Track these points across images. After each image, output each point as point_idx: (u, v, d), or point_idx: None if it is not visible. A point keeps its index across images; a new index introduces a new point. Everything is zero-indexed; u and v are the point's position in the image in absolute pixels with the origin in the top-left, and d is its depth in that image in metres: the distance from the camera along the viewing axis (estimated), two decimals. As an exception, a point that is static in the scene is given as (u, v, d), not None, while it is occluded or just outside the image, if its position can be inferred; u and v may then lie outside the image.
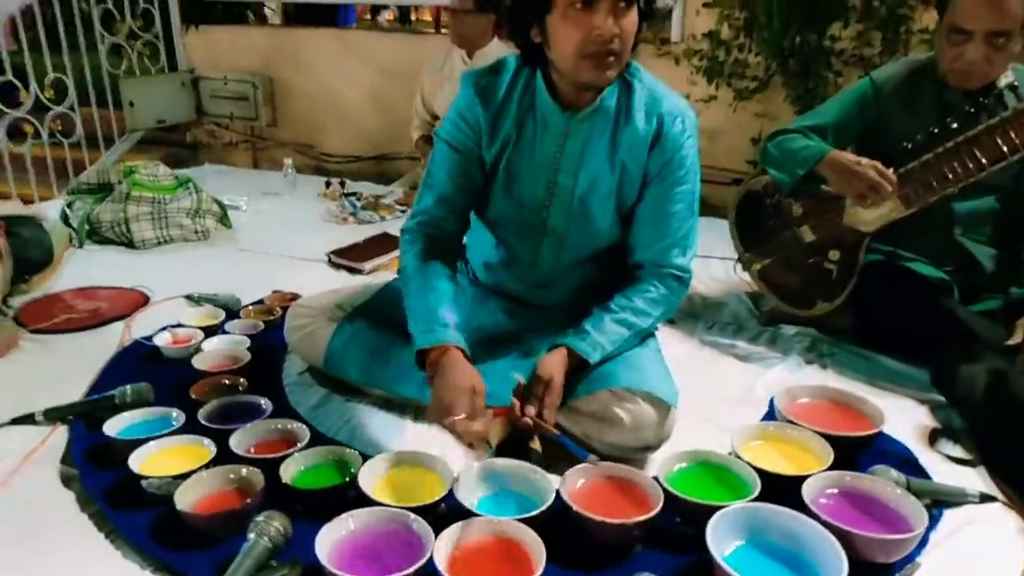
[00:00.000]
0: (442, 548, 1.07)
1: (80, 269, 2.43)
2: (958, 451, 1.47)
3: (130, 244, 2.59)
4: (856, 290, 1.87)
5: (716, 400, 1.67)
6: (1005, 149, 1.64)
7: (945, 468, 1.41)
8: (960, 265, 1.81)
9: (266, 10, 4.62)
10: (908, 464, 1.39)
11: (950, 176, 1.69)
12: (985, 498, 1.29)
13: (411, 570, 1.02)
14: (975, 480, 1.37)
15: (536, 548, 1.07)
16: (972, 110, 1.70)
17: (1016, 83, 1.71)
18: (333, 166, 4.07)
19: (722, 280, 2.37)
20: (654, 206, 1.46)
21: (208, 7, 4.24)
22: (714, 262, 2.49)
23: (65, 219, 2.62)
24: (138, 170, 2.67)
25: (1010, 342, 1.59)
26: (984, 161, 1.66)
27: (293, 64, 4.09)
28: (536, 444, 1.40)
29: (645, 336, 1.53)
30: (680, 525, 1.20)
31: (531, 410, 1.31)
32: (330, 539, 1.09)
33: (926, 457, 1.43)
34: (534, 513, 1.15)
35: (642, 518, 1.13)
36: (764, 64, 3.09)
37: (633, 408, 1.36)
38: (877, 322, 1.89)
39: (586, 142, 1.43)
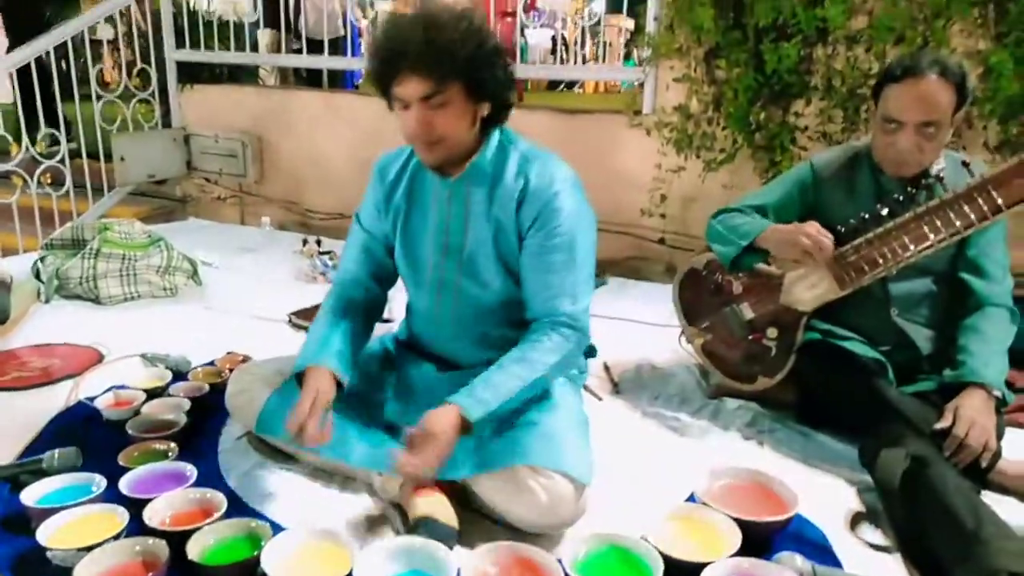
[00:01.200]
0: (329, 630, 1.08)
1: (43, 324, 2.47)
2: (878, 536, 1.47)
3: (97, 300, 2.64)
4: (795, 367, 1.90)
5: (645, 476, 1.68)
6: (931, 236, 1.68)
7: (861, 554, 1.41)
8: (897, 345, 1.82)
9: (261, 71, 4.77)
10: (821, 550, 1.38)
11: (880, 260, 1.73)
12: (892, 588, 1.29)
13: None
14: (892, 567, 1.37)
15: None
16: (901, 198, 1.75)
17: (943, 173, 1.76)
18: (318, 223, 4.15)
19: (675, 351, 2.39)
20: (534, 259, 1.52)
21: (204, 68, 4.39)
22: (673, 331, 2.51)
23: (37, 273, 2.68)
24: (112, 227, 2.74)
25: (938, 426, 1.59)
26: (912, 247, 1.70)
27: (282, 124, 4.21)
28: (454, 520, 1.42)
29: (568, 396, 1.58)
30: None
31: (406, 458, 1.34)
32: (220, 617, 1.10)
33: (842, 543, 1.43)
34: (427, 595, 1.15)
35: (534, 604, 1.14)
36: (731, 137, 3.18)
37: (548, 484, 1.38)
38: (815, 400, 1.91)
39: (467, 203, 1.55)
